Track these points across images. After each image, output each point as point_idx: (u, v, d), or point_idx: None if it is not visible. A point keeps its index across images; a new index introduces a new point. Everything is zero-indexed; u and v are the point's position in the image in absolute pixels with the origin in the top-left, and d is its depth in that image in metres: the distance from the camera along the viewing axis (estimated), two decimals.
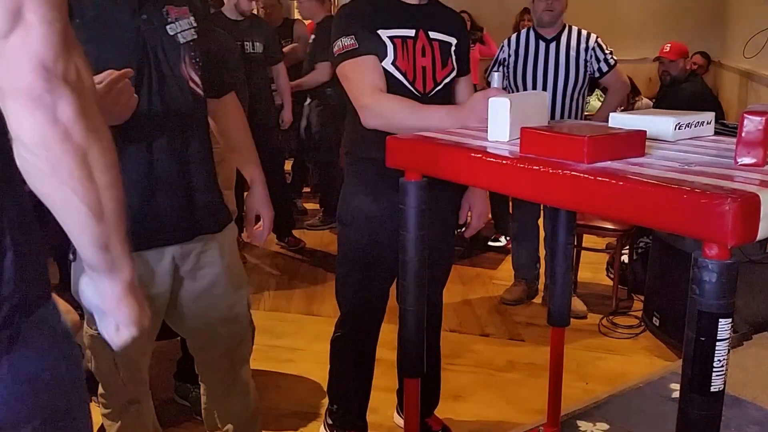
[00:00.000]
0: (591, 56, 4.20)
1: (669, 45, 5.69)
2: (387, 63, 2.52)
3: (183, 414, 3.24)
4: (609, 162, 1.69)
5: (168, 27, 2.07)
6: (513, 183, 1.81)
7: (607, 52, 4.24)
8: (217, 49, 2.56)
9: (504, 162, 1.81)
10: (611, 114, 2.08)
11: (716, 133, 2.13)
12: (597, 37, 4.24)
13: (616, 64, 4.30)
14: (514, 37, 4.38)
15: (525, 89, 4.21)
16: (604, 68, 4.23)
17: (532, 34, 4.30)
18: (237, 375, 2.42)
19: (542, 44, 4.24)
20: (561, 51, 4.20)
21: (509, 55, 4.35)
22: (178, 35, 2.09)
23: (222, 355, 2.37)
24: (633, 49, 8.23)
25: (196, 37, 2.14)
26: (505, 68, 4.35)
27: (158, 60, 2.04)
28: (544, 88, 4.19)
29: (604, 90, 5.08)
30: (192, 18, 2.14)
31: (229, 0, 5.04)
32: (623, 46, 8.50)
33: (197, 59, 2.14)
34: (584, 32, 4.25)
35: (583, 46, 4.19)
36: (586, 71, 4.23)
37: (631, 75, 7.36)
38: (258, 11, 6.32)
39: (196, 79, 2.13)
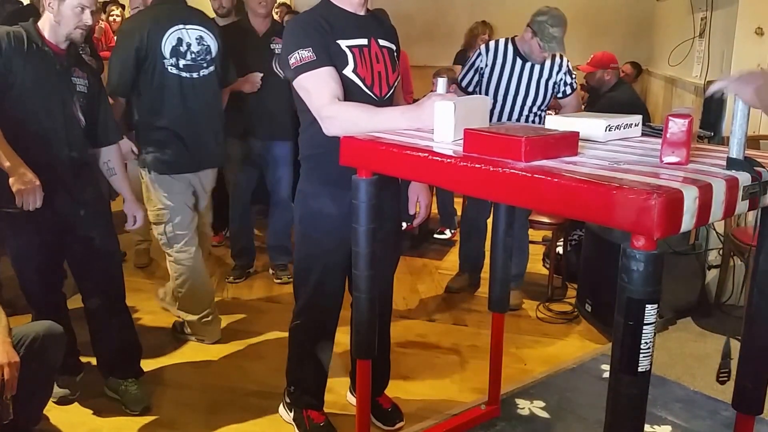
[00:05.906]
0: (561, 80, 4.16)
1: (592, 55, 5.46)
2: (348, 71, 2.48)
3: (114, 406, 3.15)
4: (545, 161, 1.71)
5: None
6: (457, 180, 1.81)
7: (574, 76, 4.21)
8: None
9: (448, 161, 1.82)
10: (547, 117, 2.10)
11: (643, 134, 2.16)
12: (568, 62, 4.20)
13: (577, 88, 4.28)
14: (492, 45, 4.22)
15: (496, 100, 4.12)
16: (568, 91, 4.20)
17: (511, 48, 4.16)
18: None
19: (519, 61, 4.12)
20: (535, 72, 4.12)
21: (486, 65, 4.17)
22: None
23: None
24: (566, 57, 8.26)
25: None
26: (480, 75, 4.20)
27: None
28: (514, 102, 4.12)
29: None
30: None
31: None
32: None
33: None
34: (557, 57, 4.15)
35: (555, 70, 4.14)
36: (553, 92, 4.19)
37: None
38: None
39: None
